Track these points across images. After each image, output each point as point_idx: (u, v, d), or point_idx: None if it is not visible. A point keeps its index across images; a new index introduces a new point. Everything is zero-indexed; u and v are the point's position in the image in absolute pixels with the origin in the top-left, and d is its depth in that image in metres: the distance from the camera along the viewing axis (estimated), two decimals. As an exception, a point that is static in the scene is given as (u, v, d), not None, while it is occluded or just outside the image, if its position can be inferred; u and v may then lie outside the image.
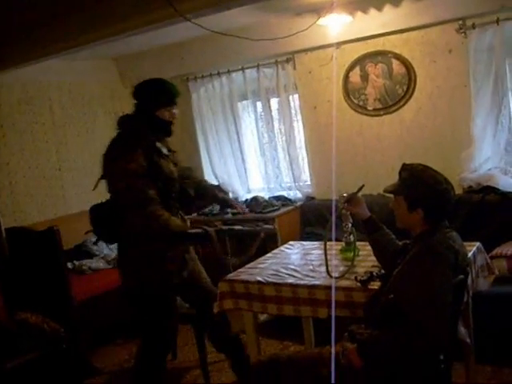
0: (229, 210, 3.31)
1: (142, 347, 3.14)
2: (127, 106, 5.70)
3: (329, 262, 2.92)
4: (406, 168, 2.38)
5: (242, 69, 5.03)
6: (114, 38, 3.45)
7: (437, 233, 2.28)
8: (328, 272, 2.79)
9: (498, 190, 4.01)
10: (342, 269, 2.88)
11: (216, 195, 3.37)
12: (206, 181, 3.57)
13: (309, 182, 5.04)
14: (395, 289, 2.21)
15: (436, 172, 2.34)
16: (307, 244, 3.50)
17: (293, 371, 2.34)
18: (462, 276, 2.28)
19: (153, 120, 3.01)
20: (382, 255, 2.66)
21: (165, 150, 3.05)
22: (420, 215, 2.29)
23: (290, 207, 4.82)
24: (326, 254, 2.86)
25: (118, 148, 2.94)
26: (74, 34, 3.48)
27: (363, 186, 2.81)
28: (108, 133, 5.49)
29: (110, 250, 4.94)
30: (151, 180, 2.87)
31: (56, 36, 3.57)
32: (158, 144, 3.02)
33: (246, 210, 3.25)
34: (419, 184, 2.29)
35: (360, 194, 2.81)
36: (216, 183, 3.70)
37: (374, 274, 2.62)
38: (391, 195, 2.45)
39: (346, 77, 4.59)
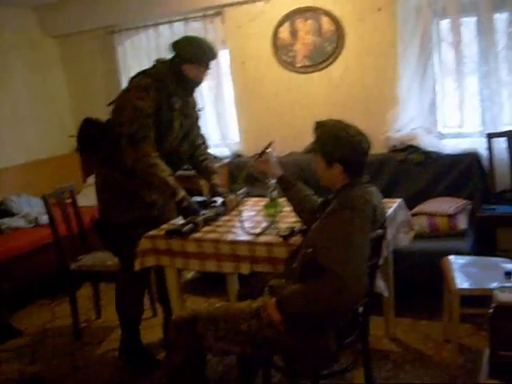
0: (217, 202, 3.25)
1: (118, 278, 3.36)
2: (49, 56, 5.54)
3: (252, 218, 2.93)
4: (319, 125, 2.36)
5: (170, 22, 4.87)
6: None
7: (355, 187, 2.28)
8: (244, 230, 2.78)
9: (421, 149, 4.09)
10: (264, 224, 2.87)
11: (214, 185, 3.37)
12: (208, 162, 3.51)
13: (237, 139, 4.99)
14: (313, 242, 2.21)
15: (348, 125, 2.33)
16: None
17: (213, 326, 2.32)
18: (380, 230, 2.30)
19: (177, 73, 3.06)
20: (300, 211, 2.67)
21: (178, 105, 3.11)
22: (339, 169, 2.28)
23: (217, 164, 4.75)
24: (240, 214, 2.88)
25: (137, 82, 3.04)
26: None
27: (271, 142, 2.82)
28: (28, 83, 5.34)
29: (30, 209, 4.77)
30: (152, 121, 2.97)
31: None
32: (174, 98, 3.08)
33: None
34: (333, 138, 2.28)
35: (273, 152, 2.83)
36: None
37: (296, 229, 2.63)
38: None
39: (275, 33, 4.52)
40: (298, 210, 2.70)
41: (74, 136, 3.29)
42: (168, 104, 3.05)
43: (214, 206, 3.21)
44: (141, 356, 3.34)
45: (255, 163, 2.82)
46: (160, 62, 3.15)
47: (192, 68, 3.07)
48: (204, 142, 3.51)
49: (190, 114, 3.28)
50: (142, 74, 3.10)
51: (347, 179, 2.30)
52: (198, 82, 3.18)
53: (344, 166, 2.28)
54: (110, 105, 3.16)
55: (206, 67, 3.13)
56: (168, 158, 3.08)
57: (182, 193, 2.99)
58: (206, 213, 3.07)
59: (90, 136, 3.17)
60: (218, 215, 3.12)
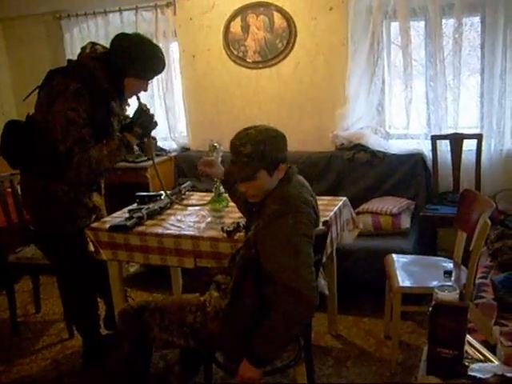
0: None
1: (62, 286, 3.27)
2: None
3: (198, 213, 2.95)
4: (242, 144, 2.16)
5: (120, 10, 4.75)
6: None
7: (291, 181, 2.23)
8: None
9: (368, 148, 4.14)
10: (209, 219, 2.85)
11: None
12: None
13: (185, 133, 4.94)
14: (257, 245, 2.15)
15: (260, 127, 2.23)
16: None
17: (159, 316, 2.31)
18: (323, 227, 2.31)
19: (115, 80, 2.76)
20: (243, 208, 2.62)
21: (117, 110, 2.90)
22: (283, 168, 2.21)
23: (164, 157, 4.69)
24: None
25: (63, 85, 2.66)
26: None
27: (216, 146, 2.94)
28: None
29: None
30: (90, 130, 2.70)
31: None
32: (113, 102, 2.84)
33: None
34: (268, 144, 2.13)
35: (221, 147, 2.95)
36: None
37: (241, 224, 2.61)
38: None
39: (227, 27, 4.47)
40: (241, 207, 2.66)
41: None
42: (106, 110, 2.81)
43: (158, 200, 3.15)
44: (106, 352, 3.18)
45: (200, 167, 2.78)
46: (90, 59, 2.76)
47: (135, 82, 2.82)
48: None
49: (123, 113, 3.07)
50: (65, 74, 2.73)
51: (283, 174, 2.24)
52: (137, 93, 2.94)
53: (286, 163, 2.23)
54: (26, 99, 2.86)
55: (151, 79, 2.90)
56: None
57: (125, 138, 2.80)
58: (150, 206, 3.01)
59: (21, 144, 2.81)
60: (161, 209, 3.06)
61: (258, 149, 2.13)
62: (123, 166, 4.33)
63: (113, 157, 2.79)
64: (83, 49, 2.85)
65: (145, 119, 2.89)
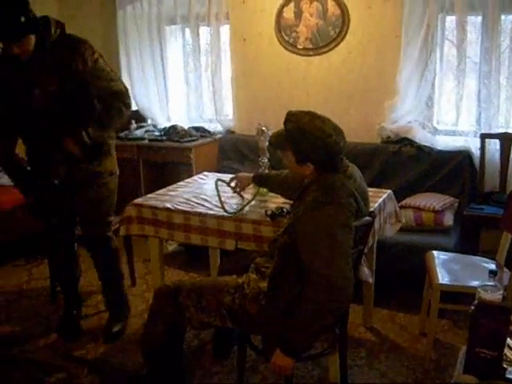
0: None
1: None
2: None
3: (226, 199, 2.95)
4: (290, 119, 2.15)
5: (173, -11, 4.79)
6: None
7: (339, 171, 2.19)
8: (223, 208, 2.79)
9: (415, 142, 4.08)
10: (253, 203, 2.85)
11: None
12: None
13: (230, 116, 4.94)
14: (295, 230, 2.13)
15: (323, 120, 2.14)
16: (221, 176, 3.43)
17: (196, 296, 2.31)
18: (368, 218, 2.29)
19: None
20: (285, 193, 2.72)
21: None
22: (310, 168, 2.17)
23: (209, 139, 4.72)
24: (218, 191, 2.94)
25: None
26: None
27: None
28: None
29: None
30: None
31: None
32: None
33: None
34: (306, 138, 2.09)
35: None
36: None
37: (285, 209, 2.61)
38: None
39: (280, 12, 4.44)
40: (283, 193, 2.74)
41: None
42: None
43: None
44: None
45: (232, 188, 2.99)
46: None
47: None
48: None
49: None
50: None
51: (321, 173, 2.19)
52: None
53: (315, 165, 2.16)
54: None
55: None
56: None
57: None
58: None
59: None
60: None
61: (293, 133, 2.13)
62: (168, 145, 4.38)
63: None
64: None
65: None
